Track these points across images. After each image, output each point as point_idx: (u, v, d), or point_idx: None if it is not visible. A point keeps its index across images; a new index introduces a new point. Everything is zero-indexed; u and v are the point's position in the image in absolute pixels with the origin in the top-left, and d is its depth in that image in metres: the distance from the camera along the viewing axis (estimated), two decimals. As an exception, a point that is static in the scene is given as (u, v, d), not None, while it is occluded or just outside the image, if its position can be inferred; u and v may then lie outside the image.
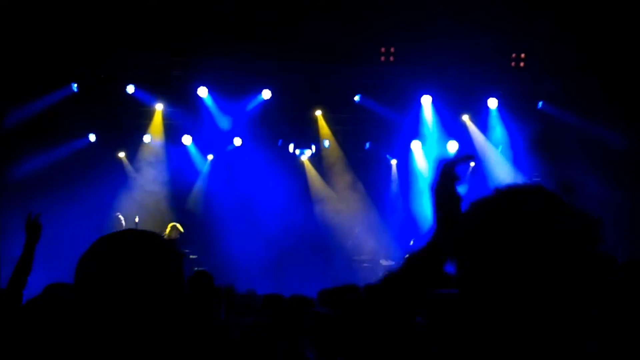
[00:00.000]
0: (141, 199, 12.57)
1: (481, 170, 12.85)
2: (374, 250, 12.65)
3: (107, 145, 12.54)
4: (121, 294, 1.81)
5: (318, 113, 12.99)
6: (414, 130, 13.11)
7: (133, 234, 1.92)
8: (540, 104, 12.83)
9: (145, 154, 12.85)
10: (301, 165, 13.52)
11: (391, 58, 11.79)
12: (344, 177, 13.48)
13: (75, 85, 11.71)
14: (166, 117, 12.54)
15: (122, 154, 12.82)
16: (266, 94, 12.45)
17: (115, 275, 1.82)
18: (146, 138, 12.72)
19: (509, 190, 1.57)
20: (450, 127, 13.00)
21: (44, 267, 10.17)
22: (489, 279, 1.51)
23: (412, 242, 5.11)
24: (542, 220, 1.51)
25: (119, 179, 12.56)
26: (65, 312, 3.76)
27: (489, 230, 1.53)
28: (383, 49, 11.74)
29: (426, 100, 12.75)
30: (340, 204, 13.33)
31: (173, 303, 1.87)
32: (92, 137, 12.48)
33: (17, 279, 4.61)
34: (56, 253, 11.12)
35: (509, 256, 1.49)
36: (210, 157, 13.13)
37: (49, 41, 10.32)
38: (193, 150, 13.02)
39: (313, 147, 13.50)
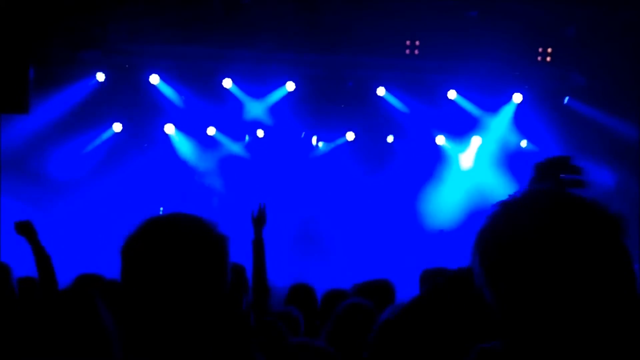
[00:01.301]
0: (166, 190, 12.61)
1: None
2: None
3: (132, 135, 12.58)
4: (166, 276, 1.84)
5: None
6: (439, 124, 13.05)
7: (178, 217, 1.96)
8: (566, 99, 12.72)
9: (168, 145, 12.86)
10: (323, 157, 13.45)
11: (416, 51, 11.72)
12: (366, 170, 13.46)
13: (101, 75, 11.77)
14: (190, 108, 12.52)
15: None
16: (290, 86, 12.44)
17: (160, 258, 1.85)
18: (169, 129, 12.73)
19: (520, 198, 1.55)
20: (475, 122, 12.94)
21: (71, 257, 10.36)
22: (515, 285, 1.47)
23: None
24: (562, 221, 1.47)
25: (144, 169, 12.60)
26: (96, 302, 3.76)
27: (508, 239, 1.49)
28: (408, 42, 11.67)
29: (452, 94, 12.68)
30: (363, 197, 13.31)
31: (217, 287, 1.89)
32: (117, 127, 12.52)
33: (42, 271, 4.75)
34: (83, 242, 11.26)
35: (531, 262, 1.45)
36: (236, 146, 13.12)
37: (74, 29, 10.36)
38: (217, 141, 13.01)
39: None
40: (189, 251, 1.86)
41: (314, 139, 13.24)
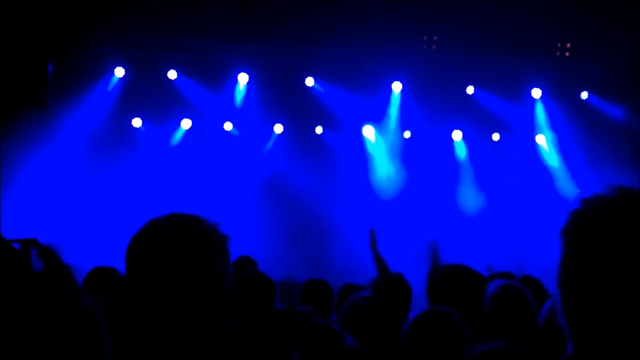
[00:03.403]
0: (179, 185, 12.65)
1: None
2: None
3: (151, 130, 12.60)
4: (166, 276, 1.88)
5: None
6: (457, 120, 13.00)
7: (180, 218, 1.98)
8: (585, 94, 12.66)
9: (184, 140, 12.87)
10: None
11: (434, 46, 11.69)
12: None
13: (120, 69, 11.78)
14: (206, 103, 12.51)
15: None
16: (309, 81, 12.43)
17: (161, 260, 1.89)
18: (185, 124, 12.73)
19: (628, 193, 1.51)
20: (495, 118, 12.89)
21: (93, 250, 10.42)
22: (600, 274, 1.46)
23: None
24: None
25: (161, 164, 12.63)
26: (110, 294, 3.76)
27: (609, 230, 1.47)
28: (425, 37, 11.64)
29: (470, 90, 12.63)
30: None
31: (218, 288, 1.92)
32: (136, 123, 12.53)
33: None
34: (101, 236, 11.31)
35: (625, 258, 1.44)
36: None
37: (92, 23, 10.38)
38: (233, 137, 13.00)
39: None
40: (189, 251, 1.90)
41: (319, 129, 13.14)
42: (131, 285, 1.92)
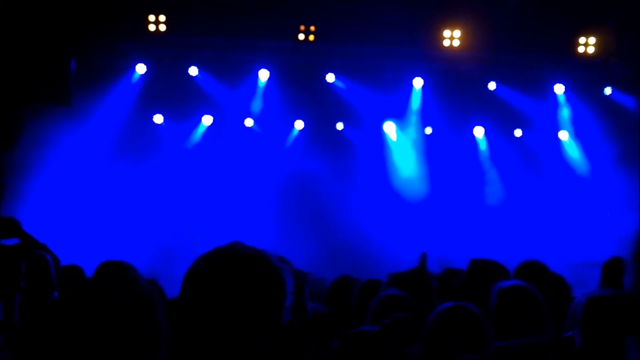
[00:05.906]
0: (200, 181, 12.70)
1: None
2: None
3: (173, 126, 12.65)
4: (222, 312, 1.89)
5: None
6: (479, 116, 12.96)
7: (239, 252, 1.98)
8: (608, 90, 12.55)
9: (205, 136, 12.91)
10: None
11: (454, 43, 11.63)
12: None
13: (142, 66, 11.81)
14: (227, 99, 12.53)
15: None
16: (330, 78, 12.42)
17: (217, 296, 1.90)
18: (207, 120, 12.77)
19: None
20: (517, 114, 12.83)
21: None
22: None
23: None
24: None
25: (183, 160, 12.69)
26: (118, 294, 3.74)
27: None
28: (447, 34, 11.59)
29: (492, 86, 12.58)
30: None
31: (271, 330, 1.92)
32: (158, 119, 12.59)
33: None
34: (124, 233, 11.40)
35: None
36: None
37: (113, 20, 10.42)
38: (254, 133, 13.02)
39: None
40: (245, 287, 1.90)
41: (340, 125, 13.15)
42: (185, 309, 1.93)
